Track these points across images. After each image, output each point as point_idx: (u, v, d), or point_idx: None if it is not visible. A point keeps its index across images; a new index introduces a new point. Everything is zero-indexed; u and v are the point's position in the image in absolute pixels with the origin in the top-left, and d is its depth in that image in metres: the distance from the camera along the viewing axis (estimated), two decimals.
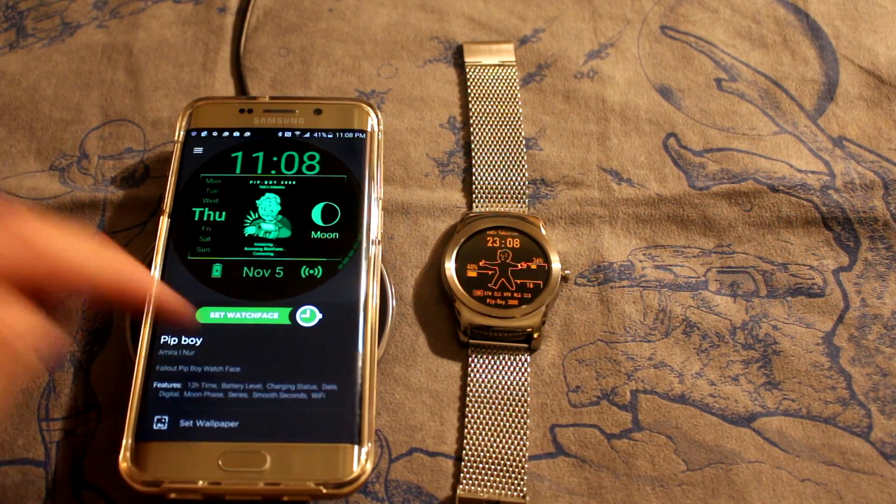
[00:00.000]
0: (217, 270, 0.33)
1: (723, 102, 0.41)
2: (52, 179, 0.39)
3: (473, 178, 0.39)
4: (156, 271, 0.33)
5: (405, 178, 0.39)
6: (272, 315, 0.32)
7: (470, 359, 0.35)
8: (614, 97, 0.42)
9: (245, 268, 0.33)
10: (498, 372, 0.34)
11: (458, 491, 0.32)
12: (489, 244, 0.36)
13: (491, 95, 0.41)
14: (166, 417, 0.30)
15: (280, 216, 0.35)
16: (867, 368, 0.35)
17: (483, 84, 0.41)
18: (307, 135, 0.37)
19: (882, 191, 0.38)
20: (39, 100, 0.42)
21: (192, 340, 0.31)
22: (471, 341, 0.35)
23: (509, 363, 0.34)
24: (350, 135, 0.37)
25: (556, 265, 0.36)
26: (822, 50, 0.43)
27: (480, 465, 0.32)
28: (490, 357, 0.35)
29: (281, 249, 0.34)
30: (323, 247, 0.34)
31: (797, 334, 0.35)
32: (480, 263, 0.36)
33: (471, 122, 0.40)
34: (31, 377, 0.21)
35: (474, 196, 0.38)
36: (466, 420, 0.33)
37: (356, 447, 0.29)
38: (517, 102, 0.41)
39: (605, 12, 0.44)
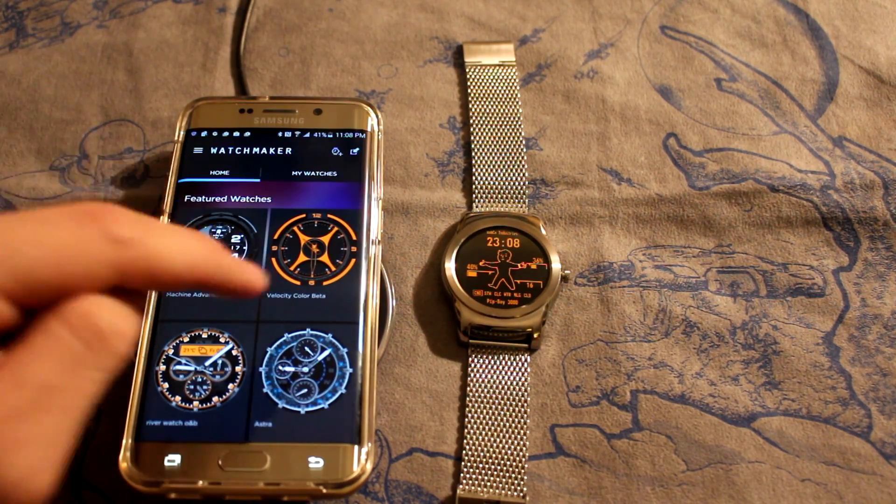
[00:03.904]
0: None
1: (723, 102, 0.41)
2: (52, 179, 0.39)
3: (473, 178, 0.39)
4: None
5: (405, 178, 0.39)
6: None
7: (470, 359, 0.35)
8: (614, 97, 0.42)
9: None
10: (498, 372, 0.34)
11: (458, 491, 0.32)
12: (489, 244, 0.36)
13: (491, 95, 0.41)
14: (166, 417, 0.30)
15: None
16: (867, 368, 0.35)
17: (483, 84, 0.41)
18: (307, 135, 0.37)
19: (882, 191, 0.38)
20: (39, 100, 0.42)
21: (191, 338, 0.32)
22: (471, 341, 0.35)
23: (509, 363, 0.34)
24: (350, 135, 0.37)
25: (556, 265, 0.36)
26: (822, 50, 0.43)
27: (480, 465, 0.32)
28: (490, 357, 0.35)
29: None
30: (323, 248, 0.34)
31: (797, 334, 0.35)
32: (480, 263, 0.36)
33: (471, 122, 0.40)
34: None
35: (474, 196, 0.38)
36: (466, 420, 0.33)
37: (356, 447, 0.29)
38: (517, 102, 0.41)
39: (605, 12, 0.44)
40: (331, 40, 0.44)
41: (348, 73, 0.43)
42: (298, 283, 0.33)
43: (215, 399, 0.30)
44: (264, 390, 0.31)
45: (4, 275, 0.20)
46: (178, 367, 0.31)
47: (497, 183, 0.39)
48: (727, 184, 0.39)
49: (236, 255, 0.33)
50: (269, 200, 0.35)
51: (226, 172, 0.36)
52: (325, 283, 0.33)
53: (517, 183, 0.39)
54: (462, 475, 0.32)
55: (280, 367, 0.31)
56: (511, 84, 0.41)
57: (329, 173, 0.36)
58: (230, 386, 0.31)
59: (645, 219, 0.38)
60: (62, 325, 0.20)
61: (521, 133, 0.40)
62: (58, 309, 0.21)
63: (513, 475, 0.32)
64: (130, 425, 0.30)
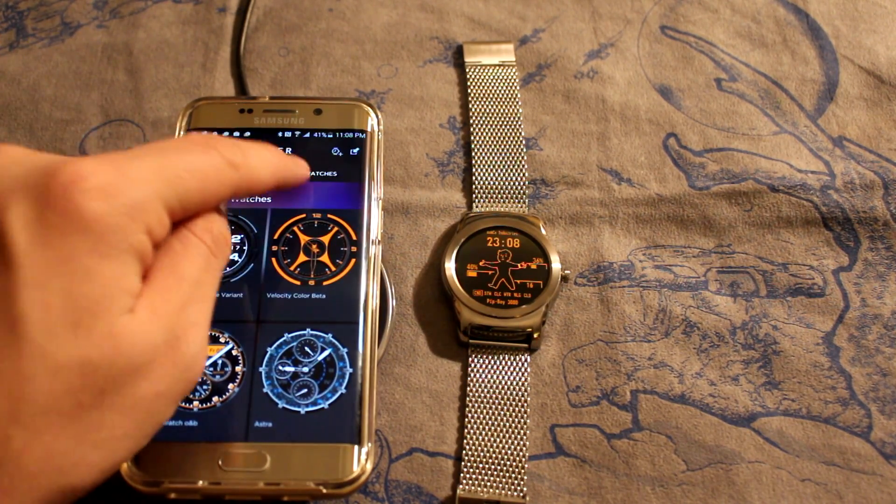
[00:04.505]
0: None
1: (723, 102, 0.42)
2: None
3: (473, 178, 0.39)
4: None
5: (405, 178, 0.39)
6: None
7: (470, 359, 0.35)
8: (614, 97, 0.42)
9: None
10: (498, 372, 0.34)
11: (458, 491, 0.32)
12: (489, 244, 0.36)
13: (491, 95, 0.41)
14: None
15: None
16: (867, 368, 0.35)
17: (483, 84, 0.41)
18: (307, 135, 0.37)
19: (882, 191, 0.38)
20: (39, 100, 0.42)
21: None
22: (471, 341, 0.35)
23: (509, 363, 0.34)
24: (350, 135, 0.37)
25: (556, 265, 0.36)
26: (822, 50, 0.43)
27: (480, 465, 0.32)
28: (490, 357, 0.35)
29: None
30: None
31: (797, 334, 0.35)
32: (480, 263, 0.36)
33: (471, 122, 0.40)
34: None
35: (474, 196, 0.38)
36: (466, 420, 0.33)
37: (356, 447, 0.29)
38: (517, 102, 0.41)
39: (605, 12, 0.45)
40: (331, 40, 0.44)
41: (348, 73, 0.43)
42: (298, 283, 0.33)
43: (215, 399, 0.30)
44: (264, 390, 0.31)
45: (173, 196, 0.23)
46: None
47: (497, 183, 0.39)
48: (727, 184, 0.39)
49: (235, 254, 0.33)
50: (269, 200, 0.35)
51: None
52: (325, 283, 0.33)
53: (517, 183, 0.39)
54: (462, 475, 0.32)
55: (280, 367, 0.31)
56: (511, 84, 0.41)
57: (329, 173, 0.36)
58: (230, 386, 0.31)
59: (645, 219, 0.38)
60: (193, 236, 0.25)
61: (521, 133, 0.40)
62: (188, 223, 0.25)
63: (513, 475, 0.32)
64: None
